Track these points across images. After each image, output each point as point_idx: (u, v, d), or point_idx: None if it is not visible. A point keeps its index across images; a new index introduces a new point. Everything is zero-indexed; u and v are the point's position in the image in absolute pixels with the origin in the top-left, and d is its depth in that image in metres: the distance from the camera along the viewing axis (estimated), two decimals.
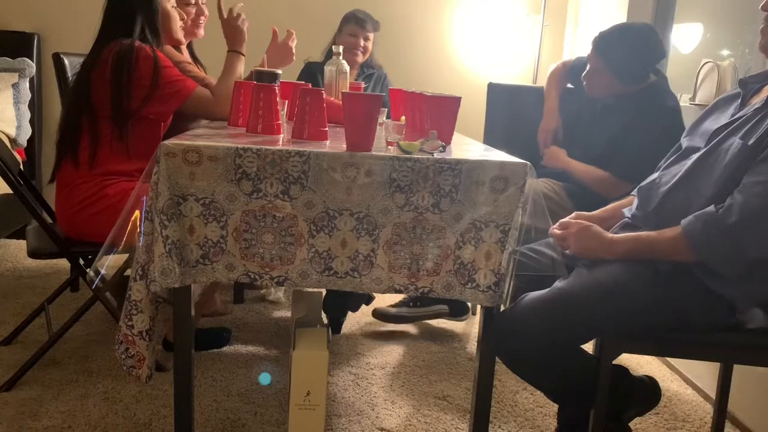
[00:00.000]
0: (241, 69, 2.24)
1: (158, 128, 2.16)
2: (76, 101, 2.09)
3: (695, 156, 1.53)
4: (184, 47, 2.58)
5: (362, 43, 3.10)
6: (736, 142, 1.43)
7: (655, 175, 1.64)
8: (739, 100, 1.58)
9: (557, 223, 1.67)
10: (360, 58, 3.13)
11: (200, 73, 2.51)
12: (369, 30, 3.10)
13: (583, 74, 2.38)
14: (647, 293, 1.46)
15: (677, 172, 1.55)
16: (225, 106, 2.08)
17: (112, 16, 2.13)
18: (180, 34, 2.31)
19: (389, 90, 2.42)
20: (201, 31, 2.59)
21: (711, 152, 1.49)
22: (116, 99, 2.02)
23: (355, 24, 3.09)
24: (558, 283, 1.51)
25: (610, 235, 1.56)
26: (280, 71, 2.11)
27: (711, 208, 1.40)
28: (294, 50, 2.45)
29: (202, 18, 2.57)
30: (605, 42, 2.28)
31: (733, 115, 1.54)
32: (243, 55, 2.24)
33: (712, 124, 1.58)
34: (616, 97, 2.34)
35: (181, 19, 2.31)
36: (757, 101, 1.50)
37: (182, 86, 2.09)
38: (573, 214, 1.74)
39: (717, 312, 1.47)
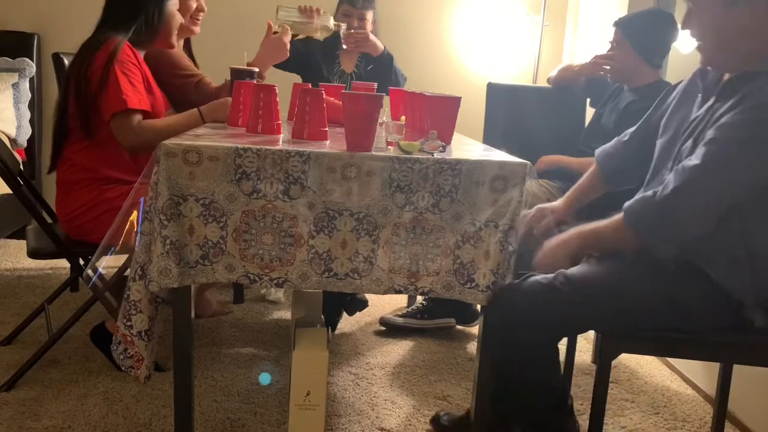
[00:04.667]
0: (187, 129, 1.86)
1: None
2: (62, 100, 2.05)
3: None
4: (180, 43, 2.55)
5: (356, 23, 2.90)
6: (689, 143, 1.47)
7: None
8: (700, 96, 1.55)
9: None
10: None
11: (196, 70, 2.48)
12: (361, 7, 2.91)
13: (604, 54, 2.44)
14: (652, 292, 1.46)
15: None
16: (141, 144, 1.97)
17: (115, 7, 2.07)
18: (175, 39, 2.20)
19: (390, 90, 2.39)
20: (197, 28, 2.51)
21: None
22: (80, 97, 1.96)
23: (347, 2, 2.91)
24: (564, 270, 1.51)
25: (554, 240, 1.56)
26: (256, 69, 2.10)
27: (649, 192, 1.44)
28: (288, 46, 2.38)
29: (201, 14, 2.50)
30: (629, 22, 2.39)
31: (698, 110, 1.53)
32: (204, 122, 2.03)
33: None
34: (631, 91, 2.39)
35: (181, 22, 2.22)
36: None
37: (122, 99, 1.94)
38: (533, 209, 1.76)
39: (723, 312, 1.47)
